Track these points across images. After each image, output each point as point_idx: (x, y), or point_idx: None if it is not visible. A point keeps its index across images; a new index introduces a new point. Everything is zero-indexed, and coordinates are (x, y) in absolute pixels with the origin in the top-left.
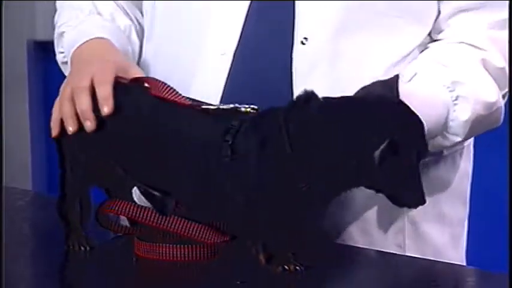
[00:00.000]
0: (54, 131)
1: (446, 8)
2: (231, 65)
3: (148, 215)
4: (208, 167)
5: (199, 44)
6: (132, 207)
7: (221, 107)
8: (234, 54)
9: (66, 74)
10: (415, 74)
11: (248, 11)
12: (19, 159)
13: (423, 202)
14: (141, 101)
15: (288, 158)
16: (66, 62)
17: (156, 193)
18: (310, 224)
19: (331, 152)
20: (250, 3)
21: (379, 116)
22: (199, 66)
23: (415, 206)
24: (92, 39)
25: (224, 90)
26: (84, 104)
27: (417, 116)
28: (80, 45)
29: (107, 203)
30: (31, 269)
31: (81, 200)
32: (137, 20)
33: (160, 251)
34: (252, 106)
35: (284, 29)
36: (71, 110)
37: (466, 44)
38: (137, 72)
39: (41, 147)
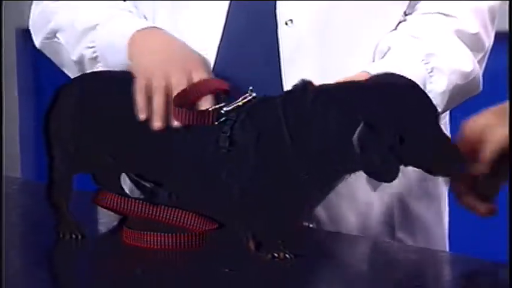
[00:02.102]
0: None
1: None
2: (216, 58)
3: (137, 207)
4: (204, 158)
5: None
6: (120, 200)
7: (226, 109)
8: (219, 44)
9: (89, 70)
10: (389, 49)
11: (229, 7)
12: (8, 147)
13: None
14: (128, 89)
15: (288, 148)
16: (95, 58)
17: (147, 184)
18: (306, 212)
19: (325, 140)
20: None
21: (357, 100)
22: None
23: (391, 181)
24: (147, 28)
25: None
26: (159, 103)
27: (402, 96)
28: (136, 33)
29: (100, 194)
30: (20, 256)
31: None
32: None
33: (149, 239)
34: (250, 92)
35: (267, 15)
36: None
37: (440, 14)
38: (202, 76)
39: (29, 134)
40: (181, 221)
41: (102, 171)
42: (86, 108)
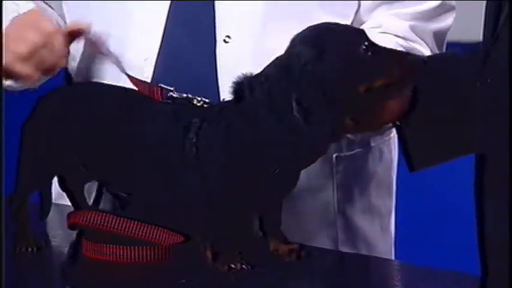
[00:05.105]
0: None
1: (367, 1)
2: (155, 67)
3: (104, 220)
4: (172, 165)
5: (122, 51)
6: (91, 216)
7: (173, 95)
8: (157, 57)
9: None
10: None
11: (168, 15)
12: None
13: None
14: (103, 101)
15: (256, 148)
16: None
17: (121, 194)
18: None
19: (276, 128)
20: (170, 4)
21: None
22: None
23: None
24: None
25: None
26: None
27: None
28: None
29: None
30: None
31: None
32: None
33: (107, 252)
34: (203, 99)
35: (206, 28)
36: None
37: (391, 34)
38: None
39: None
40: (149, 235)
41: (74, 181)
42: (62, 120)
